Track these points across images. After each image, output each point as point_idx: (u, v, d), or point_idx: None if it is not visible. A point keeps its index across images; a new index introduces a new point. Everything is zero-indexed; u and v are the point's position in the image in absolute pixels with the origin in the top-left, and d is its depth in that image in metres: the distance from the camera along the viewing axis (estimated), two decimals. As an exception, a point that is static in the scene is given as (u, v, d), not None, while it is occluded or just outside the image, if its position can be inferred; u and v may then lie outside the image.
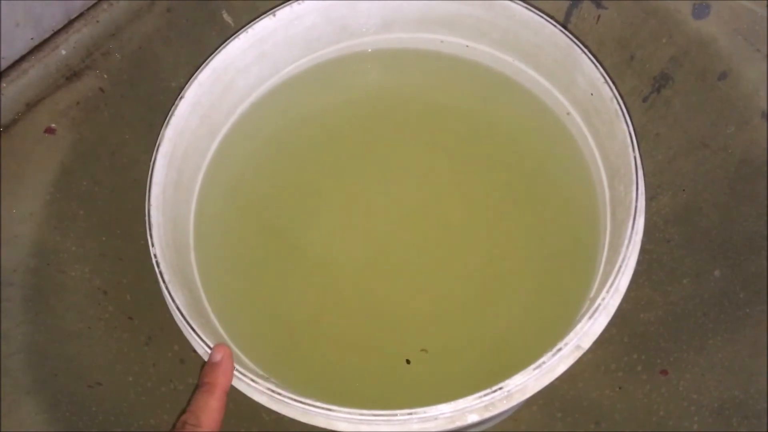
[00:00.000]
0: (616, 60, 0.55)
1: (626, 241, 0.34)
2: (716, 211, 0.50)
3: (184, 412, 0.33)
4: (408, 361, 0.41)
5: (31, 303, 0.45)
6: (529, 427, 0.54)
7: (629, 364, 0.52)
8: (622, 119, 0.37)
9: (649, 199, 0.54)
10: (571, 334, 0.32)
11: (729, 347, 0.46)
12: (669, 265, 0.53)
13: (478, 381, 0.33)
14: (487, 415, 0.32)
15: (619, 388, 0.52)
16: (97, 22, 0.51)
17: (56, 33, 0.50)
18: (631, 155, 0.36)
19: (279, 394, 0.33)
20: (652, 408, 0.48)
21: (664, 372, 0.49)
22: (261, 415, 0.52)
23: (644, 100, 0.54)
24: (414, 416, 0.31)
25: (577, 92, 0.43)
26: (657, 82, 0.52)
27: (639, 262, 0.53)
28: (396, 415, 0.31)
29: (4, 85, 0.47)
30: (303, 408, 0.32)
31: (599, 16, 0.54)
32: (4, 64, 0.48)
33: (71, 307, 0.47)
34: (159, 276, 0.36)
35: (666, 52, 0.51)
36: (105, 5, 0.51)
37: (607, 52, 0.55)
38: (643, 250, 0.54)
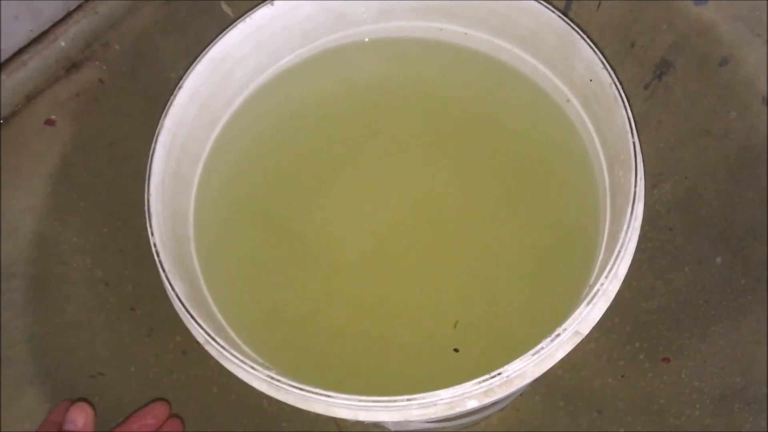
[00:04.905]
0: (617, 47, 0.54)
1: (625, 227, 0.34)
2: (718, 197, 0.49)
3: None
4: (456, 350, 0.41)
5: (32, 294, 0.46)
6: (531, 416, 0.54)
7: (631, 353, 0.52)
8: (621, 105, 0.37)
9: (651, 186, 0.54)
10: (570, 320, 0.32)
11: (731, 334, 0.46)
12: (671, 252, 0.52)
13: (478, 366, 0.33)
14: (486, 400, 0.32)
15: (622, 376, 0.52)
16: (96, 13, 0.51)
17: (55, 25, 0.50)
18: (630, 141, 0.36)
19: (279, 381, 0.33)
20: (654, 396, 0.48)
21: (666, 360, 0.49)
22: (263, 404, 0.53)
23: (645, 87, 0.53)
24: (413, 402, 0.31)
25: (576, 78, 0.42)
26: (658, 69, 0.52)
27: (641, 251, 0.54)
28: (395, 401, 0.31)
29: (4, 77, 0.47)
30: (302, 395, 0.32)
31: (600, 4, 0.54)
32: (4, 56, 0.48)
33: (73, 299, 0.48)
34: (159, 265, 0.36)
35: (667, 38, 0.51)
36: (104, -4, 0.51)
37: (607, 39, 0.55)
38: (646, 239, 0.54)
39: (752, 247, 0.47)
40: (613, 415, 0.50)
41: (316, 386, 0.32)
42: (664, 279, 0.52)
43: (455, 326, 0.41)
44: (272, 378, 0.33)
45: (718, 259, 0.48)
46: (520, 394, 0.54)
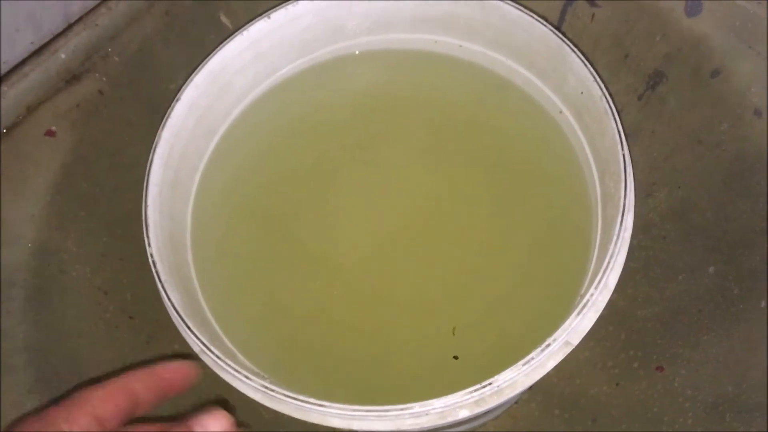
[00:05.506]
0: (610, 58, 0.55)
1: (615, 238, 0.34)
2: (711, 207, 0.50)
3: None
4: (456, 357, 0.41)
5: (32, 303, 0.46)
6: (527, 424, 0.54)
7: (626, 361, 0.52)
8: (611, 117, 0.37)
9: (645, 195, 0.54)
10: (560, 331, 0.32)
11: (723, 343, 0.46)
12: (665, 261, 0.53)
13: (471, 376, 0.33)
14: (477, 410, 0.33)
15: (616, 384, 0.52)
16: (96, 25, 0.51)
17: (56, 37, 0.50)
18: (619, 153, 0.36)
19: (273, 391, 0.33)
20: (648, 404, 0.49)
21: (660, 368, 0.50)
22: (261, 413, 0.53)
23: (639, 97, 0.54)
24: (406, 411, 0.32)
25: (568, 91, 0.43)
26: (651, 80, 0.53)
27: (636, 259, 0.54)
28: (388, 410, 0.32)
29: (5, 88, 0.48)
30: (297, 404, 0.33)
31: (593, 15, 0.54)
32: (5, 68, 0.48)
33: (72, 307, 0.48)
34: (156, 276, 0.37)
35: (660, 49, 0.52)
36: (104, 9, 0.52)
37: (601, 50, 0.55)
38: (640, 247, 0.54)
39: (745, 256, 0.47)
40: (608, 423, 0.50)
41: (311, 395, 0.33)
42: (658, 287, 0.53)
43: (453, 332, 0.42)
44: (267, 388, 0.33)
45: (711, 269, 0.49)
46: (516, 402, 0.55)
